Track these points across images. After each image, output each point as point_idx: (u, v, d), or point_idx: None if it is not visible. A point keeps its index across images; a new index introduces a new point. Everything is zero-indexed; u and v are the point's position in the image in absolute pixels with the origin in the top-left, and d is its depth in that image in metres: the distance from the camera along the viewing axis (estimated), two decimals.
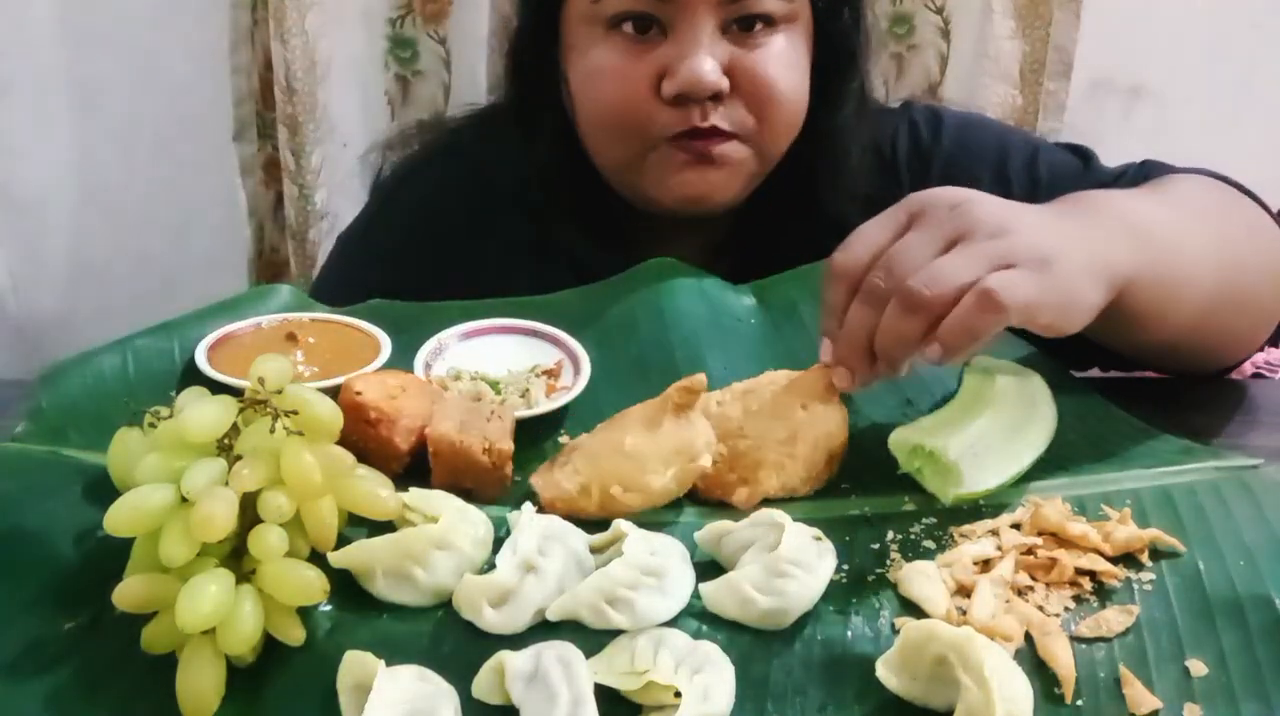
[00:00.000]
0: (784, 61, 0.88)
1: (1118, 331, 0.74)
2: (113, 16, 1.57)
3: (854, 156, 0.96)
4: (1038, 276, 0.62)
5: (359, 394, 0.66)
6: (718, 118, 0.87)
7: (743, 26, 0.87)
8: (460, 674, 0.53)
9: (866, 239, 0.66)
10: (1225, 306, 0.78)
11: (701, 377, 0.66)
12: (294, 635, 0.55)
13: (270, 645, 0.55)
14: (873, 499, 0.67)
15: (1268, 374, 1.62)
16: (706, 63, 0.84)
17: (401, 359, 0.75)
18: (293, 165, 1.54)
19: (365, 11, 1.53)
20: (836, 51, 0.93)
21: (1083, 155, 0.97)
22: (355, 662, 0.52)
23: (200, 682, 0.52)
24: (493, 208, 1.01)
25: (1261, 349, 0.87)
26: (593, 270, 0.87)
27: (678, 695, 0.51)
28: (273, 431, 0.55)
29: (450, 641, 0.57)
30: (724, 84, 0.85)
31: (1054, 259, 0.63)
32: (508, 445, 0.66)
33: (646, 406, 0.67)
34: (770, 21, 0.87)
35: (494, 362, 0.77)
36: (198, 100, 1.60)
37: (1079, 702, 0.53)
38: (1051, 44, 1.52)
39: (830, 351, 0.68)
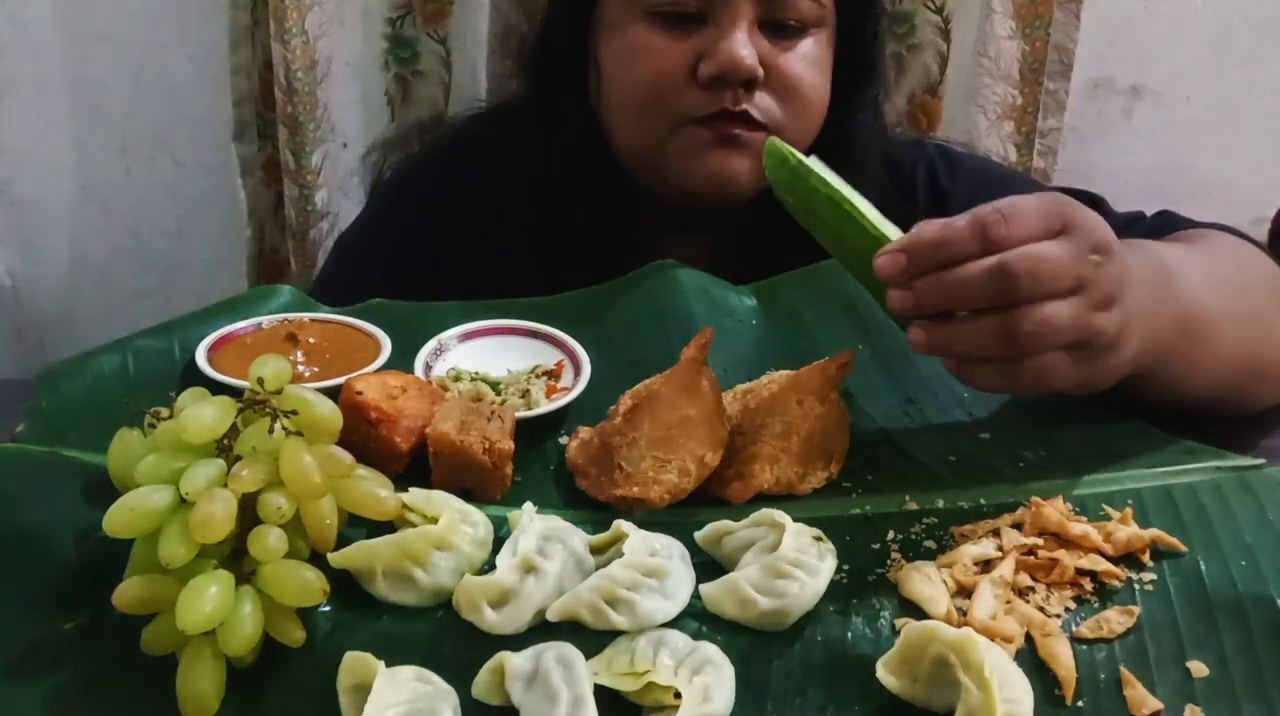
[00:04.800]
0: (811, 62, 0.92)
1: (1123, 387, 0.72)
2: (113, 16, 1.57)
3: (868, 164, 0.97)
4: (1089, 365, 0.64)
5: (359, 394, 0.66)
6: (749, 104, 0.89)
7: (775, 27, 0.90)
8: (460, 674, 0.53)
9: (1027, 221, 0.62)
10: (1243, 381, 0.78)
11: (709, 331, 0.69)
12: (294, 636, 0.55)
13: (270, 645, 0.55)
14: (873, 499, 0.67)
15: None
16: (745, 46, 0.87)
17: (401, 359, 0.75)
18: (293, 165, 1.54)
19: (365, 11, 1.53)
20: (857, 59, 0.97)
21: (1093, 201, 0.96)
22: (355, 663, 0.52)
23: (200, 683, 0.52)
24: (494, 209, 1.00)
25: None
26: (595, 273, 0.86)
27: (678, 696, 0.51)
28: (272, 432, 0.55)
29: (450, 641, 0.57)
30: (759, 71, 0.88)
31: (1118, 347, 0.64)
32: (508, 445, 0.66)
33: (667, 378, 0.68)
34: (801, 24, 0.91)
35: (494, 363, 0.77)
36: (198, 100, 1.60)
37: (1079, 704, 0.53)
38: (1051, 44, 1.51)
39: (900, 266, 0.63)
